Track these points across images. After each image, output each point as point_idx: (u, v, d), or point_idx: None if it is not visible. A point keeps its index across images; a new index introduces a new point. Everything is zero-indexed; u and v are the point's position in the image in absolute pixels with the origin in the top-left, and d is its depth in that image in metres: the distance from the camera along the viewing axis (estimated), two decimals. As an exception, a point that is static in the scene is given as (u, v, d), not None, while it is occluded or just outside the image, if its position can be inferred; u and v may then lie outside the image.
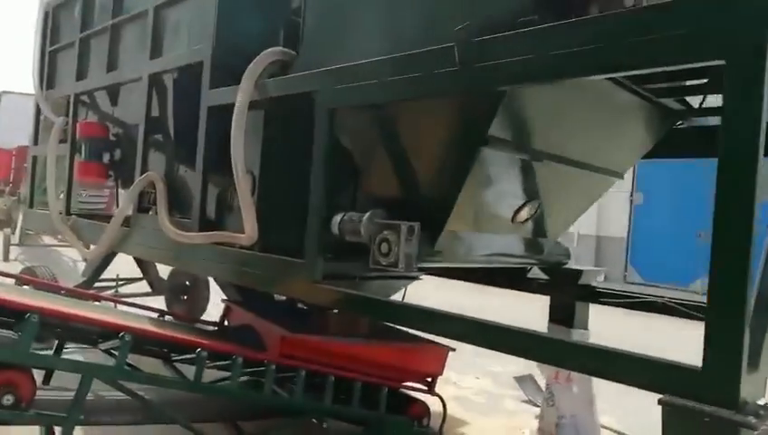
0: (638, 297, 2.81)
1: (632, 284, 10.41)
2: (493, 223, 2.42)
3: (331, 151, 2.26)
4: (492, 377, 4.75)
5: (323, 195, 2.27)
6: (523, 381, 4.30)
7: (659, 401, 1.31)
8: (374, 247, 2.20)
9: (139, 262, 5.31)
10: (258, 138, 2.75)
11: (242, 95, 2.57)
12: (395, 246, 2.13)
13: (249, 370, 2.66)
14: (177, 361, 2.78)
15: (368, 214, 2.25)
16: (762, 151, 1.22)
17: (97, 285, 4.59)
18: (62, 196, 4.56)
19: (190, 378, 2.50)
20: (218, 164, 2.97)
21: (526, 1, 1.70)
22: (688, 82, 2.32)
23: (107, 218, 4.29)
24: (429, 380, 3.12)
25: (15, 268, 6.17)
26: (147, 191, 3.57)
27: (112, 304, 3.73)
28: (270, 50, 2.64)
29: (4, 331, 2.35)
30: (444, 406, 3.13)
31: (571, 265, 3.02)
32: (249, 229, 2.56)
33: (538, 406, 4.07)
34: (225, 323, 3.56)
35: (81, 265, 8.05)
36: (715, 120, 2.78)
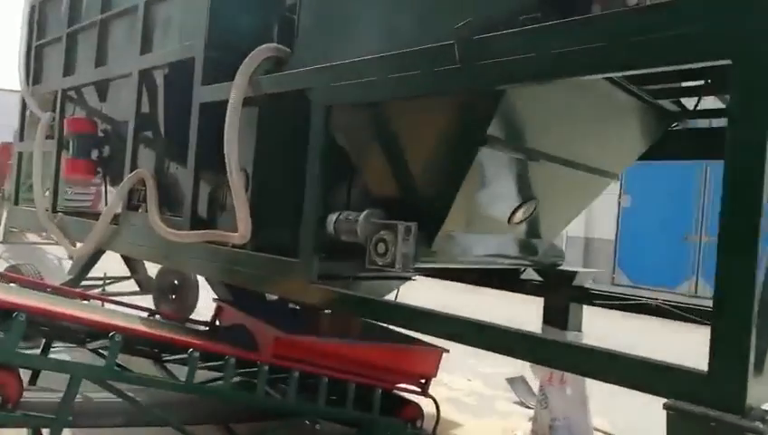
0: (632, 299, 2.82)
1: (619, 286, 10.49)
2: (489, 223, 2.40)
3: (326, 149, 2.23)
4: (483, 378, 4.74)
5: (319, 193, 2.24)
6: (515, 382, 4.30)
7: (664, 406, 1.30)
8: (370, 247, 2.17)
9: (127, 260, 5.24)
10: (252, 135, 2.71)
11: (235, 92, 2.53)
12: (392, 247, 2.11)
13: (241, 370, 2.62)
14: (167, 361, 2.73)
15: (364, 213, 2.23)
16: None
17: (84, 283, 4.51)
18: (47, 193, 4.48)
19: (181, 379, 2.45)
20: (210, 161, 2.92)
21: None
22: (684, 84, 2.32)
23: (94, 216, 4.23)
24: (423, 381, 3.09)
25: (0, 266, 6.07)
26: (136, 188, 3.51)
27: (100, 302, 3.66)
28: (264, 46, 2.60)
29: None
30: (437, 408, 3.11)
31: (562, 266, 3.02)
32: (242, 228, 2.52)
33: (530, 407, 4.07)
34: (217, 322, 3.51)
35: (67, 264, 7.92)
36: (705, 123, 2.81)
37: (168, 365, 2.80)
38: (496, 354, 1.71)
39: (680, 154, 2.73)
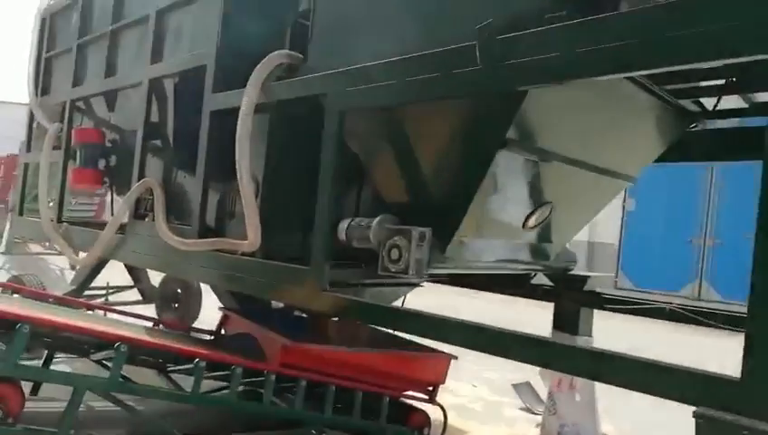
0: (645, 303, 2.77)
1: (623, 289, 10.41)
2: (503, 228, 2.36)
3: (340, 156, 2.20)
4: (488, 384, 4.68)
5: (331, 200, 2.21)
6: (521, 388, 4.24)
7: (694, 414, 1.25)
8: (383, 253, 2.13)
9: (130, 270, 5.20)
10: (262, 142, 2.69)
11: (247, 99, 2.50)
12: (405, 253, 2.07)
13: (247, 380, 2.57)
14: (172, 371, 2.68)
15: (377, 219, 2.19)
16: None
17: (86, 293, 4.48)
18: (51, 203, 4.46)
19: (186, 389, 2.40)
20: (219, 169, 2.90)
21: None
22: (706, 83, 2.28)
23: (99, 226, 4.20)
24: (431, 388, 3.04)
25: (2, 277, 6.03)
26: (143, 197, 3.49)
27: (103, 312, 3.62)
28: (276, 52, 2.58)
29: (-9, 341, 2.25)
30: (445, 415, 3.07)
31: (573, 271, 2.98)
32: (252, 236, 2.49)
33: (536, 413, 4.01)
34: (222, 331, 3.46)
35: (69, 274, 7.88)
36: (723, 124, 2.76)
37: (173, 375, 2.74)
38: (500, 359, 1.69)
39: (701, 155, 2.69)
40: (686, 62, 1.41)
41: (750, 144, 2.37)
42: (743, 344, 1.22)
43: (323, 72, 2.28)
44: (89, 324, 2.46)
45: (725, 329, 2.47)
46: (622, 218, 11.01)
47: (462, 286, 3.20)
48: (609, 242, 11.22)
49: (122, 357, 2.20)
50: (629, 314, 2.74)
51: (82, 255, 4.18)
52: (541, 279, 3.05)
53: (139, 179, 3.42)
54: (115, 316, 3.48)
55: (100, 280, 4.57)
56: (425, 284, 3.29)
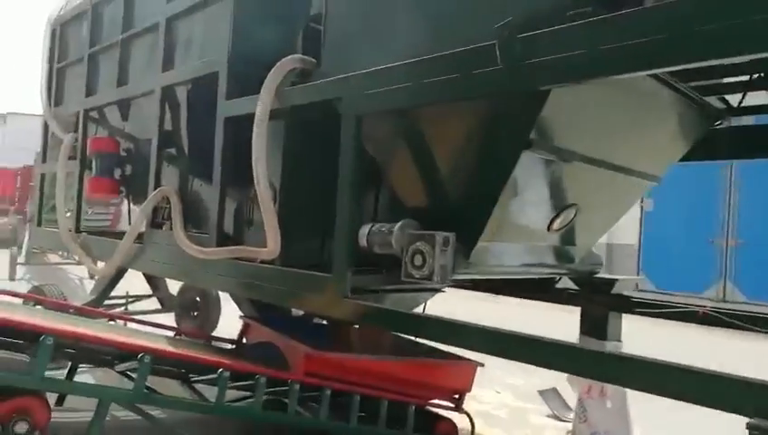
0: (676, 307, 2.70)
1: (645, 291, 10.25)
2: (528, 232, 2.31)
3: (359, 160, 2.16)
4: (512, 390, 4.60)
5: (352, 206, 2.17)
6: (547, 394, 4.16)
7: (747, 426, 1.19)
8: (406, 260, 2.09)
9: (149, 278, 5.22)
10: (279, 148, 2.66)
11: (262, 105, 2.48)
12: (429, 258, 2.02)
13: (270, 389, 2.54)
14: (196, 381, 2.66)
15: (399, 224, 2.15)
16: None
17: (106, 302, 4.49)
18: (68, 213, 4.48)
19: (210, 399, 2.38)
20: (236, 176, 2.89)
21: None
22: (732, 79, 2.22)
23: (117, 235, 4.21)
24: (457, 396, 2.99)
25: (22, 288, 6.08)
26: (160, 206, 3.48)
27: (124, 322, 3.62)
28: (289, 57, 2.56)
29: (16, 354, 2.25)
30: (472, 424, 3.02)
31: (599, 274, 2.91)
32: (272, 243, 2.46)
33: (563, 420, 3.93)
34: (243, 340, 3.44)
35: (88, 283, 7.96)
36: (750, 120, 2.69)
37: (197, 385, 2.72)
38: (522, 364, 1.64)
39: (723, 154, 2.62)
40: (718, 56, 1.35)
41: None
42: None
43: (339, 76, 2.24)
44: (112, 335, 2.46)
45: (763, 332, 2.39)
46: (641, 219, 10.85)
47: (484, 291, 3.14)
48: (629, 243, 11.05)
49: (146, 368, 2.18)
50: (660, 317, 2.67)
51: (101, 264, 4.19)
52: (565, 283, 2.98)
53: (155, 188, 3.41)
54: (136, 326, 3.47)
55: (119, 289, 4.58)
56: (446, 289, 3.25)
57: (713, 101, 2.32)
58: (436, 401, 3.01)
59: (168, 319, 5.08)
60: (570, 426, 3.38)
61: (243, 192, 2.96)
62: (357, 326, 3.26)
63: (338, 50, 2.40)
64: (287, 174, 2.68)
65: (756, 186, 9.06)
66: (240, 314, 3.64)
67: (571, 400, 3.73)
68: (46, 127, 5.16)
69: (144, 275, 4.88)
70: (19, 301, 3.69)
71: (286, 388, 2.49)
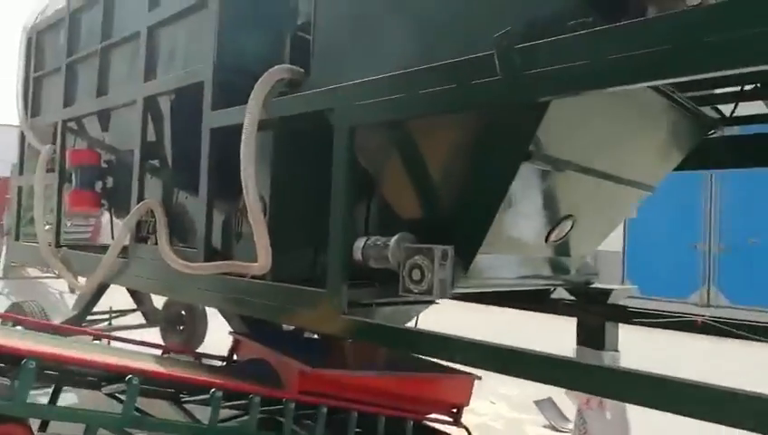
0: (672, 316, 2.68)
1: (633, 298, 10.31)
2: (525, 243, 2.28)
3: (352, 173, 2.11)
4: (507, 400, 4.57)
5: (346, 219, 2.12)
6: (543, 404, 4.13)
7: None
8: (404, 274, 2.04)
9: (133, 292, 5.09)
10: (267, 159, 2.60)
11: (250, 115, 2.41)
12: (428, 273, 1.97)
13: (264, 408, 2.47)
14: (187, 402, 2.57)
15: (396, 238, 2.10)
16: None
17: (89, 318, 4.36)
18: (47, 226, 4.35)
19: (201, 419, 2.30)
20: (223, 188, 2.81)
21: (575, 2, 1.58)
22: (728, 90, 2.22)
23: (98, 249, 4.09)
24: (455, 410, 2.94)
25: (1, 303, 5.91)
26: (144, 220, 3.38)
27: (112, 341, 3.50)
28: (277, 67, 2.50)
29: (-3, 378, 2.15)
30: (470, 437, 2.96)
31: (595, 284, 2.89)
32: (263, 258, 2.39)
33: (560, 431, 3.91)
34: (234, 357, 3.35)
35: (69, 297, 7.76)
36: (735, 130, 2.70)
37: (187, 405, 2.64)
38: None
39: (716, 163, 2.62)
40: (723, 68, 1.33)
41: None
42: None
43: (331, 87, 2.19)
44: (98, 356, 2.36)
45: (760, 341, 2.38)
46: (624, 226, 10.93)
47: (479, 303, 3.10)
48: (613, 250, 11.13)
49: (135, 390, 2.10)
50: (657, 327, 2.65)
51: (82, 279, 4.07)
52: (560, 293, 2.95)
53: (138, 201, 3.32)
54: (122, 345, 3.36)
55: (102, 304, 4.45)
56: (439, 301, 3.20)
57: (707, 110, 2.32)
58: (434, 416, 2.95)
59: (154, 334, 4.97)
60: (566, 437, 3.35)
61: (231, 205, 2.89)
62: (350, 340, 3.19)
63: (328, 59, 2.35)
64: (277, 186, 2.61)
65: (738, 191, 9.19)
66: (229, 329, 3.54)
67: (568, 409, 3.71)
68: (23, 138, 5.02)
69: (128, 289, 4.76)
70: (-2, 320, 3.56)
71: (281, 406, 2.42)
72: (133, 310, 5.26)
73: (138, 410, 2.17)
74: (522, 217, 2.11)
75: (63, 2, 4.34)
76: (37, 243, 4.31)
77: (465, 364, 1.86)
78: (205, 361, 3.44)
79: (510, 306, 3.04)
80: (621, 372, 1.50)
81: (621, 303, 2.83)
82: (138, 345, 3.44)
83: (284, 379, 2.69)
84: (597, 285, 2.84)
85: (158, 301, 5.24)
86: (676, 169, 2.58)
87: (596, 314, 2.75)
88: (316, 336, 3.44)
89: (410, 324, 3.16)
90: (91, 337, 3.40)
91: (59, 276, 4.57)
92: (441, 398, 2.93)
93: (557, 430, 3.92)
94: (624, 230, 10.93)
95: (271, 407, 2.50)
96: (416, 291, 2.01)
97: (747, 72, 2.00)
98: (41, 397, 2.37)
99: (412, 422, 2.72)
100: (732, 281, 9.17)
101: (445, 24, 1.92)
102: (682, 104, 2.10)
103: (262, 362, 2.91)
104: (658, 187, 2.64)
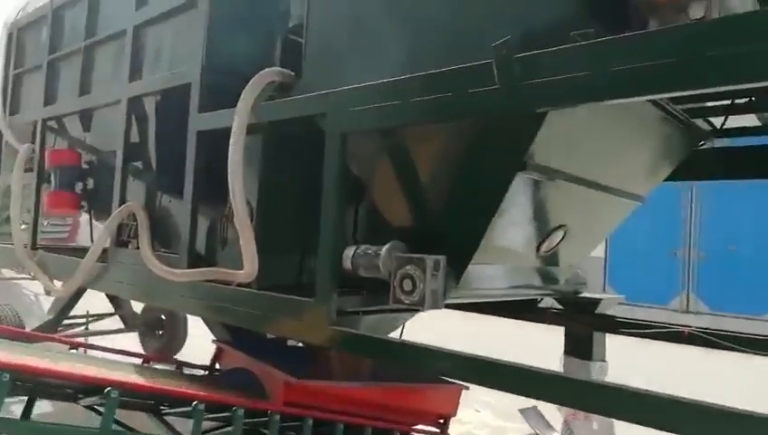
0: (662, 327, 2.68)
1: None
2: (517, 253, 2.25)
3: (343, 180, 2.06)
4: (491, 408, 4.55)
5: (337, 227, 2.07)
6: (528, 412, 4.11)
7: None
8: (395, 284, 1.99)
9: (111, 296, 4.97)
10: (255, 164, 2.54)
11: (239, 118, 2.35)
12: (420, 283, 1.93)
13: (248, 420, 2.40)
14: (167, 414, 2.49)
15: (387, 247, 2.06)
16: None
17: (65, 321, 4.24)
18: (23, 226, 4.22)
19: (183, 432, 2.22)
20: (209, 193, 2.75)
21: (576, 13, 1.55)
22: (722, 103, 2.22)
23: (76, 251, 3.98)
24: (442, 421, 2.90)
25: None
26: (126, 223, 3.29)
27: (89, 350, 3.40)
28: (267, 70, 2.44)
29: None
30: (455, 447, 2.93)
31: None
32: (249, 265, 2.33)
33: (544, 439, 3.89)
34: (216, 366, 3.27)
35: (44, 300, 7.55)
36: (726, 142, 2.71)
37: (168, 417, 2.56)
38: None
39: (706, 174, 2.63)
40: (725, 83, 1.32)
41: (763, 162, 2.32)
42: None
43: (323, 91, 2.14)
44: (75, 368, 2.27)
45: (745, 352, 2.39)
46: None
47: (468, 311, 3.07)
48: (596, 256, 11.24)
49: (114, 403, 2.02)
50: (645, 338, 2.64)
51: (59, 282, 3.95)
52: (548, 302, 2.94)
53: (120, 204, 3.23)
54: (97, 353, 3.26)
55: (79, 307, 4.34)
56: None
57: (698, 122, 2.32)
58: (420, 427, 2.91)
59: (133, 338, 4.85)
60: (552, 446, 3.34)
61: (216, 209, 2.82)
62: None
63: (321, 63, 2.30)
64: (264, 191, 2.55)
65: (718, 199, 9.34)
66: (212, 338, 3.46)
67: (553, 417, 3.69)
68: (0, 136, 4.88)
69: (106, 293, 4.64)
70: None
71: (265, 418, 2.36)
72: (111, 314, 5.13)
73: (117, 422, 2.09)
74: (514, 226, 2.09)
75: (45, -1, 4.24)
76: (12, 244, 4.18)
77: (451, 377, 1.83)
78: (186, 370, 3.35)
79: (498, 315, 3.01)
80: (599, 385, 1.48)
81: (609, 312, 2.82)
82: (116, 354, 3.34)
83: (269, 389, 2.62)
84: (585, 294, 2.82)
85: (137, 305, 5.12)
86: (666, 180, 2.58)
87: (584, 323, 2.74)
88: (300, 344, 3.37)
89: (397, 332, 3.13)
90: (68, 346, 3.29)
91: (34, 278, 4.44)
92: (428, 408, 2.89)
93: (542, 440, 3.91)
94: (605, 237, 11.03)
95: (255, 419, 2.43)
96: (407, 302, 1.97)
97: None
98: (15, 405, 2.28)
99: (399, 433, 2.67)
100: (711, 288, 9.31)
101: (440, 29, 1.89)
102: (676, 116, 2.10)
103: (245, 372, 2.84)
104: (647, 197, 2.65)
